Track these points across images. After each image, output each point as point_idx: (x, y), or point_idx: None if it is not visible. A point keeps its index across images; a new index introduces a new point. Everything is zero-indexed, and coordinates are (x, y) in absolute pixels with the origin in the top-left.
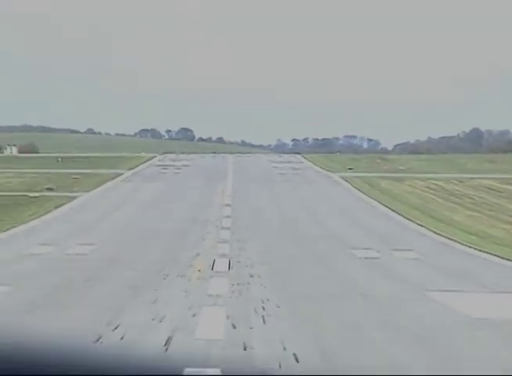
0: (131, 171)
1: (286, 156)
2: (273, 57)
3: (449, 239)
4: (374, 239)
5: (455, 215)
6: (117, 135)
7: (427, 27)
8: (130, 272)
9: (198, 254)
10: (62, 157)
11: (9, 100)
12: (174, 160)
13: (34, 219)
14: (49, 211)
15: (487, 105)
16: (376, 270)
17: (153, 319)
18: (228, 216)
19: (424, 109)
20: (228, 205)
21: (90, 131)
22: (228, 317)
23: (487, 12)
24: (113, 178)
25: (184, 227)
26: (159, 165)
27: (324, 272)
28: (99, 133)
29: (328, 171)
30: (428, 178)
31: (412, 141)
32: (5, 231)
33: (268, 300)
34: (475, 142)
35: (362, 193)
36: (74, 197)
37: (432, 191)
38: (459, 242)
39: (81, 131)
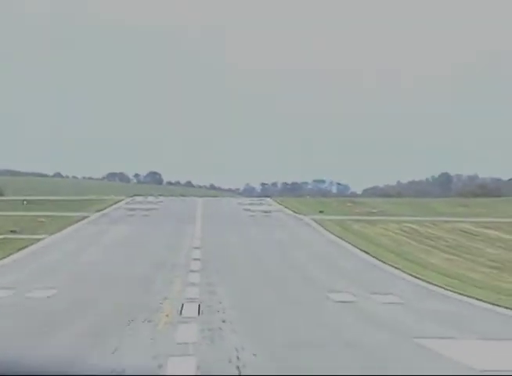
0: (98, 214)
1: (256, 199)
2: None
3: (428, 282)
4: (351, 282)
5: (431, 257)
6: (85, 178)
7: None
8: (92, 318)
9: (166, 298)
10: (28, 200)
11: None
12: (142, 203)
13: None
14: (10, 254)
15: (455, 149)
16: (357, 315)
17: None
18: (198, 259)
19: (394, 153)
20: (197, 248)
21: (58, 175)
22: (198, 368)
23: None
24: (79, 221)
25: (151, 271)
26: (127, 208)
27: (302, 318)
28: (67, 177)
29: (299, 213)
30: (401, 221)
31: (381, 185)
32: None
33: (242, 348)
34: (444, 187)
35: (334, 236)
36: (38, 240)
37: (406, 234)
38: (439, 285)
39: (49, 174)
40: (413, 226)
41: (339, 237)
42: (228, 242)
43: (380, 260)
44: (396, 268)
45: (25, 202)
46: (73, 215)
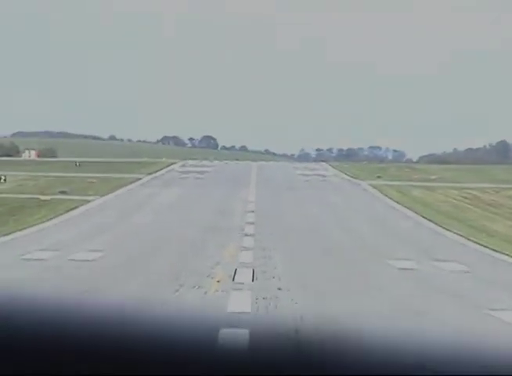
0: (151, 176)
1: (311, 164)
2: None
3: (493, 250)
4: (412, 249)
5: (494, 224)
6: (139, 141)
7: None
8: (137, 283)
9: (218, 264)
10: (81, 162)
11: (32, 106)
12: (195, 166)
13: (42, 222)
14: (60, 215)
15: None
16: (422, 284)
17: None
18: (252, 223)
19: (450, 121)
20: (251, 211)
21: (112, 137)
22: (251, 341)
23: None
24: (130, 183)
25: (204, 234)
26: (180, 171)
27: (364, 286)
28: (121, 140)
29: (356, 178)
30: (462, 188)
31: (438, 153)
32: (7, 235)
33: (302, 319)
34: (502, 155)
35: (393, 202)
36: (88, 201)
37: (467, 200)
38: (505, 253)
39: (103, 137)
40: (474, 193)
41: (398, 203)
42: (283, 206)
43: (441, 226)
44: (459, 235)
45: (78, 163)
46: (125, 176)
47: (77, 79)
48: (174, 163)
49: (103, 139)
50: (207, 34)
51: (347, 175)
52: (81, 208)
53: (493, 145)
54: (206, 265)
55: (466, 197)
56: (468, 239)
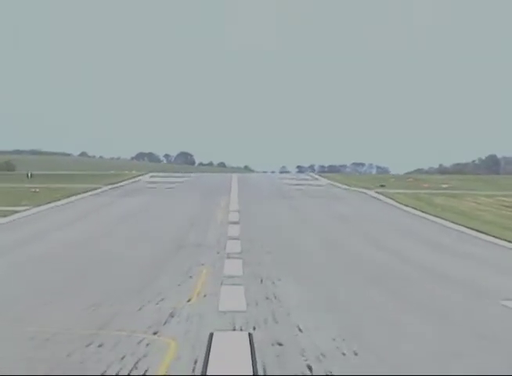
0: (110, 186)
1: (300, 174)
2: (277, 89)
3: None
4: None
5: None
6: (112, 159)
7: (435, 60)
8: None
9: (172, 315)
10: (35, 174)
11: (3, 126)
12: (167, 177)
13: None
14: None
15: (501, 131)
16: None
17: None
18: (236, 238)
19: (435, 136)
20: (234, 223)
21: (83, 154)
22: None
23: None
24: (83, 192)
25: (163, 254)
26: (148, 181)
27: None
28: (93, 157)
29: (356, 187)
30: (489, 195)
31: (425, 168)
32: None
33: None
34: (491, 170)
35: (417, 211)
36: (14, 212)
37: (508, 209)
38: None
39: (75, 154)
40: (510, 200)
41: (424, 212)
42: (277, 217)
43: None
44: None
45: (30, 175)
46: (80, 186)
47: (45, 98)
48: (143, 174)
49: (75, 156)
50: (182, 48)
51: (345, 185)
52: None
53: (482, 159)
54: (145, 324)
55: (504, 205)
56: None
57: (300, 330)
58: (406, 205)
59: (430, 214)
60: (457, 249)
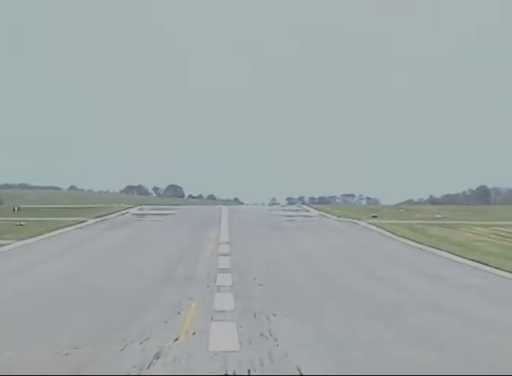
0: (97, 219)
1: (290, 206)
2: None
3: None
4: None
5: None
6: (101, 192)
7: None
8: None
9: (157, 356)
10: (22, 208)
11: None
12: (156, 210)
13: None
14: None
15: (491, 162)
16: None
17: None
18: (227, 270)
19: (425, 167)
20: (225, 255)
21: (72, 188)
22: None
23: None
24: (69, 226)
25: (150, 288)
26: (136, 214)
27: None
28: (82, 190)
29: (348, 218)
30: (486, 226)
31: (415, 199)
32: None
33: None
34: (482, 200)
35: (414, 242)
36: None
37: (508, 239)
38: None
39: (64, 188)
40: (507, 230)
41: (421, 243)
42: (266, 248)
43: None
44: None
45: (16, 208)
46: (66, 219)
47: (33, 131)
48: (131, 207)
49: (63, 190)
50: (169, 82)
51: (336, 216)
52: None
53: (473, 190)
54: (126, 367)
55: (502, 235)
56: None
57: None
58: (400, 235)
59: (427, 244)
60: (458, 280)
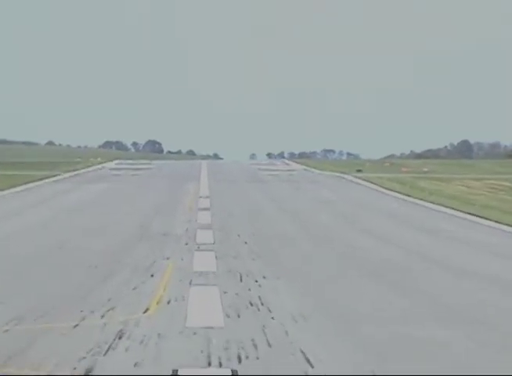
0: (72, 173)
1: (270, 160)
2: (243, 70)
3: None
4: None
5: None
6: (79, 147)
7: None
8: None
9: (119, 336)
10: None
11: None
12: (133, 164)
13: None
14: None
15: (474, 116)
16: None
17: None
18: (207, 226)
19: (405, 122)
20: (204, 209)
21: (50, 143)
22: None
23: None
24: (39, 180)
25: (121, 246)
26: (113, 168)
27: None
28: (60, 145)
29: (332, 172)
30: (479, 179)
31: (397, 154)
32: None
33: None
34: (464, 155)
35: (407, 196)
36: None
37: (502, 192)
38: None
39: (41, 143)
40: (502, 183)
41: (412, 197)
42: (249, 202)
43: None
44: None
45: None
46: (38, 173)
47: (12, 87)
48: (108, 162)
49: (40, 145)
50: (146, 39)
51: (319, 170)
52: None
53: (455, 145)
54: (77, 353)
55: (496, 188)
56: None
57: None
58: (390, 189)
59: (421, 199)
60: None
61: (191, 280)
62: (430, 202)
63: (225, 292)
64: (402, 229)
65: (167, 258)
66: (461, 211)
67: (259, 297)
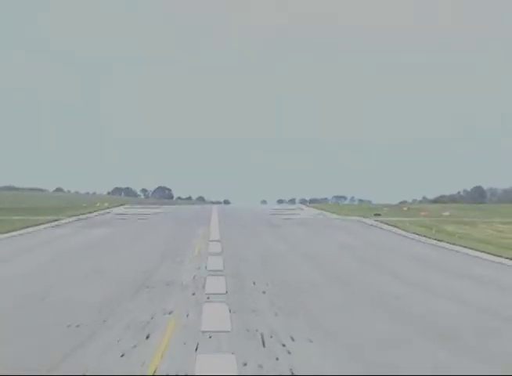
0: (74, 218)
1: (283, 205)
2: (255, 112)
3: None
4: None
5: None
6: (88, 194)
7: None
8: None
9: None
10: (3, 208)
11: None
12: (140, 209)
13: None
14: None
15: (488, 162)
16: None
17: None
18: (218, 273)
19: (417, 169)
20: (215, 254)
21: (58, 190)
22: None
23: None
24: (40, 224)
25: (116, 297)
26: (120, 213)
27: None
28: (68, 192)
29: (350, 216)
30: (506, 222)
31: (409, 200)
32: None
33: None
34: (477, 201)
35: (436, 241)
36: None
37: None
38: None
39: (50, 190)
40: None
41: (441, 241)
42: (264, 247)
43: None
44: None
45: None
46: (40, 218)
47: (19, 132)
48: (116, 206)
49: (49, 191)
50: (156, 73)
51: (336, 214)
52: None
53: (468, 191)
54: None
55: None
56: None
57: None
58: (416, 233)
59: (453, 243)
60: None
61: (198, 345)
62: (469, 248)
63: (244, 364)
64: (446, 279)
65: (169, 313)
66: (498, 255)
67: (291, 370)
